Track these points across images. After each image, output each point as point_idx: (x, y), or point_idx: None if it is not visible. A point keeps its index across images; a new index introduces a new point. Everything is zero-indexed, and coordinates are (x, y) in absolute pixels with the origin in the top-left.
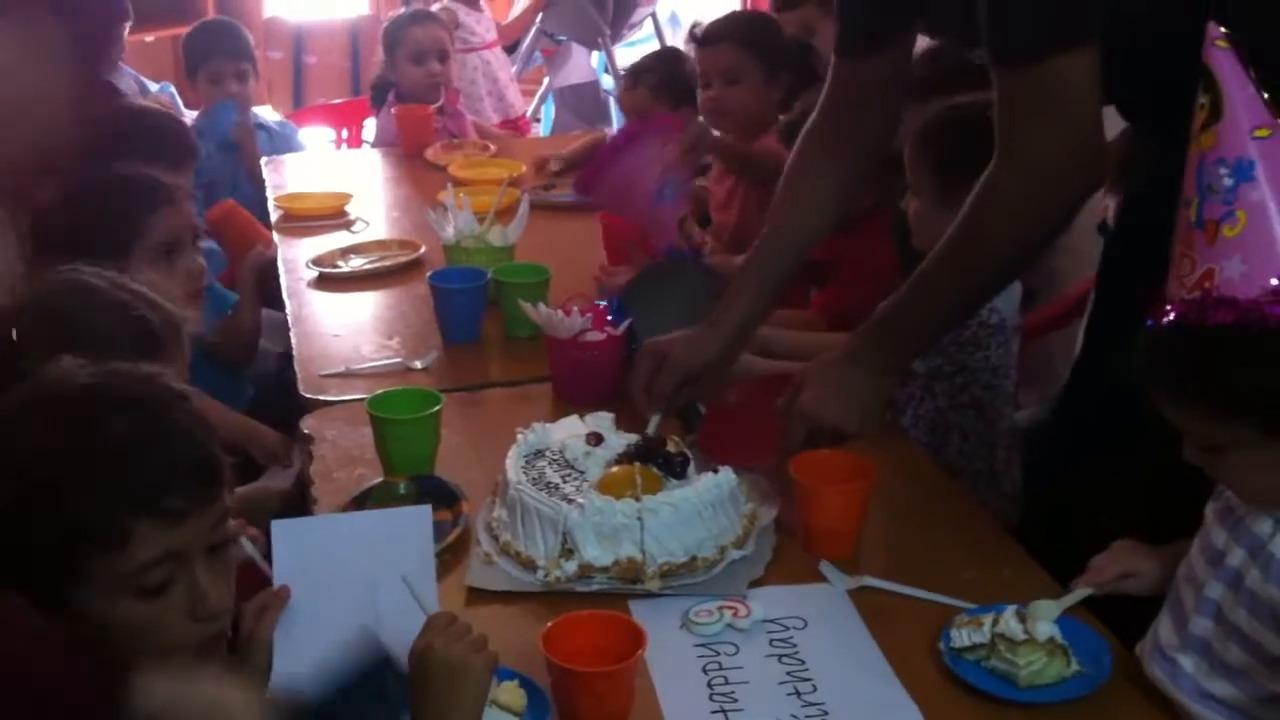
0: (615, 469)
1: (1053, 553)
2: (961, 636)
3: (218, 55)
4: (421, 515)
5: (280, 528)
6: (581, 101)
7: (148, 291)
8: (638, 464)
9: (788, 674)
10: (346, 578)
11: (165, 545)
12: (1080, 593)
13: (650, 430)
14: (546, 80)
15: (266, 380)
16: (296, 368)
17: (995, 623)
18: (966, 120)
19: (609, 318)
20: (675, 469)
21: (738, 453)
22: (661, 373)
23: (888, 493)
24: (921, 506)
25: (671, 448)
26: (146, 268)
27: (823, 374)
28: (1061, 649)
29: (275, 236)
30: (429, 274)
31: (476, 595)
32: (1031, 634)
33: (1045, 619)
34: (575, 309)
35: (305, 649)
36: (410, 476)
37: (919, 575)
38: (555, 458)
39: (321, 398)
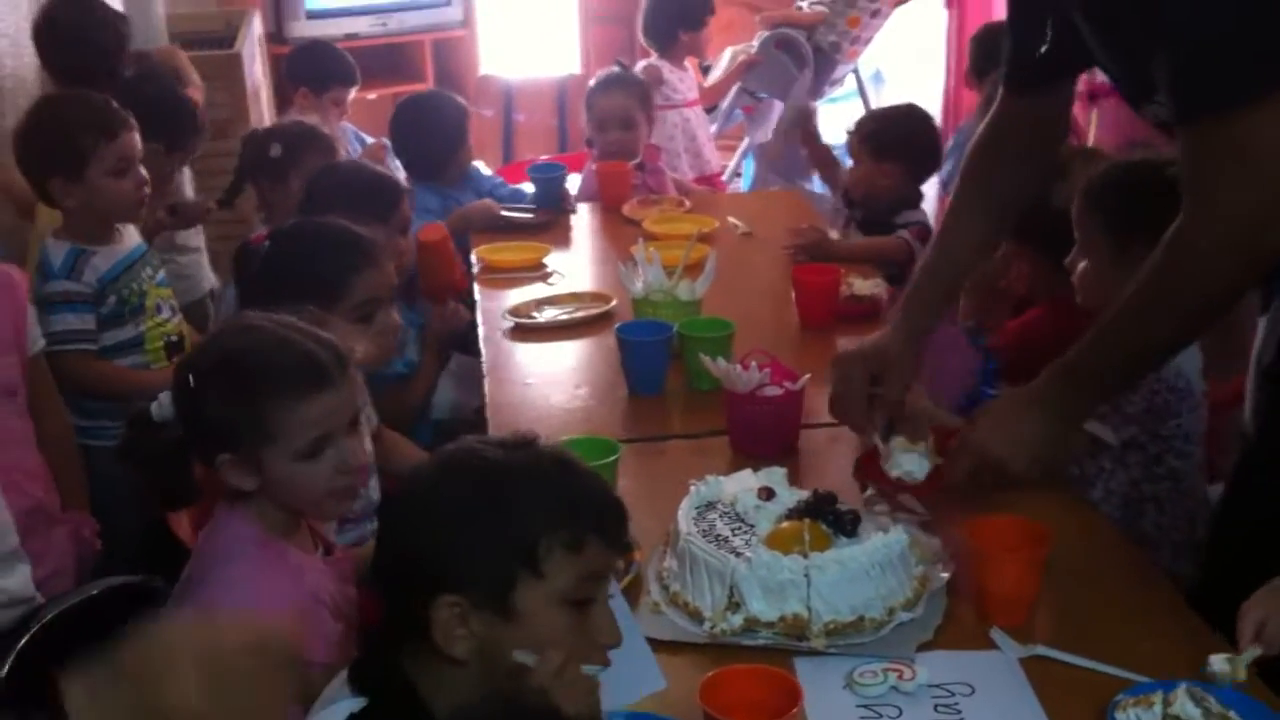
0: (784, 524)
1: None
2: (1129, 718)
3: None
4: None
5: None
6: (781, 158)
7: (314, 328)
8: (807, 520)
9: None
10: None
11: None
12: (1250, 653)
13: (879, 439)
14: (747, 139)
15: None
16: (489, 415)
17: (1167, 703)
18: (1140, 178)
19: None
20: (845, 526)
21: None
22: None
23: (1068, 560)
24: (1101, 575)
25: (842, 506)
26: (345, 325)
27: (1000, 410)
28: None
29: (476, 288)
30: (617, 326)
31: (648, 643)
32: (1208, 713)
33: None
34: (754, 364)
35: None
36: None
37: (1094, 646)
38: (726, 510)
39: None
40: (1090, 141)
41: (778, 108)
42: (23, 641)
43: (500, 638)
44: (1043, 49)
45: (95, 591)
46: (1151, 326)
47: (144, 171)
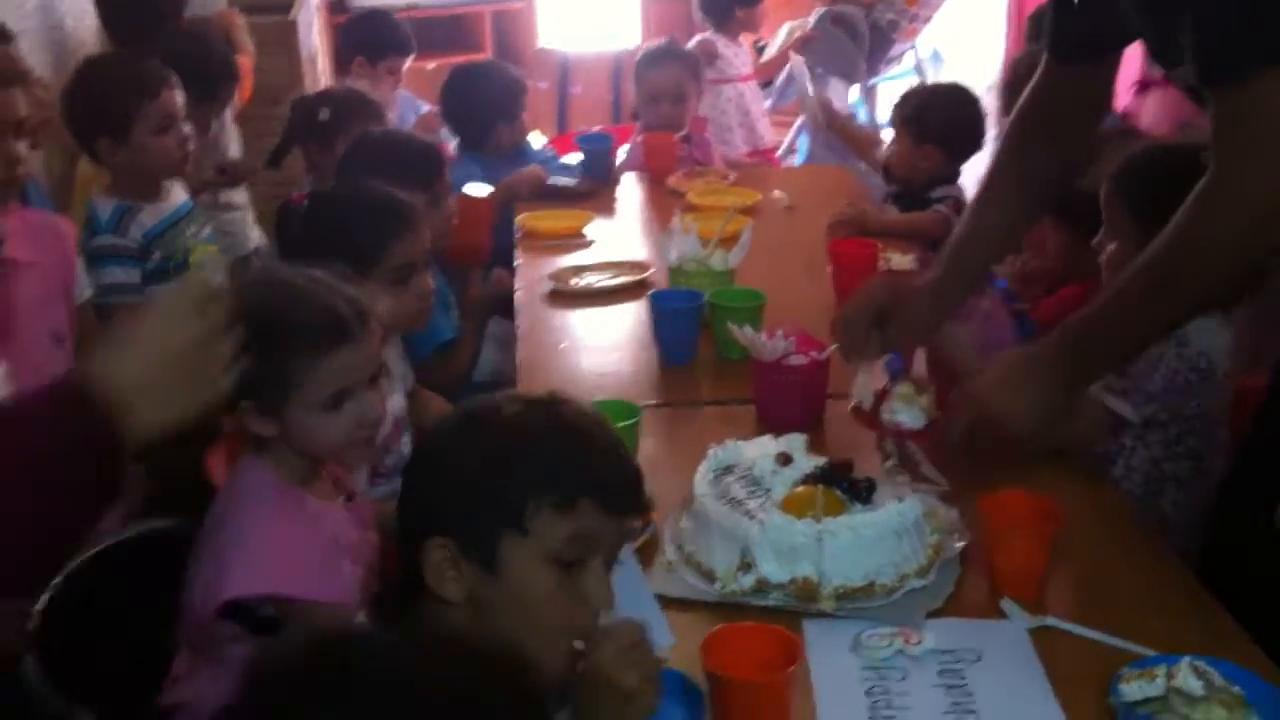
0: (800, 489)
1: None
2: (1133, 690)
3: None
4: None
5: None
6: (836, 135)
7: (338, 284)
8: (821, 486)
9: (953, 704)
10: None
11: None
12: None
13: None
14: (802, 115)
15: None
16: (520, 377)
17: (1170, 676)
18: (1169, 163)
19: None
20: (860, 494)
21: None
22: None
23: (1083, 536)
24: (1117, 551)
25: (858, 474)
26: (380, 288)
27: (1004, 366)
28: (1242, 705)
29: (518, 254)
30: (649, 294)
31: (659, 600)
32: (1211, 686)
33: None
34: (780, 333)
35: None
36: None
37: (1105, 620)
38: (744, 474)
39: None
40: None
41: (834, 84)
42: (57, 580)
43: (486, 588)
44: (1076, 2)
45: (128, 535)
46: (1164, 296)
47: (187, 128)
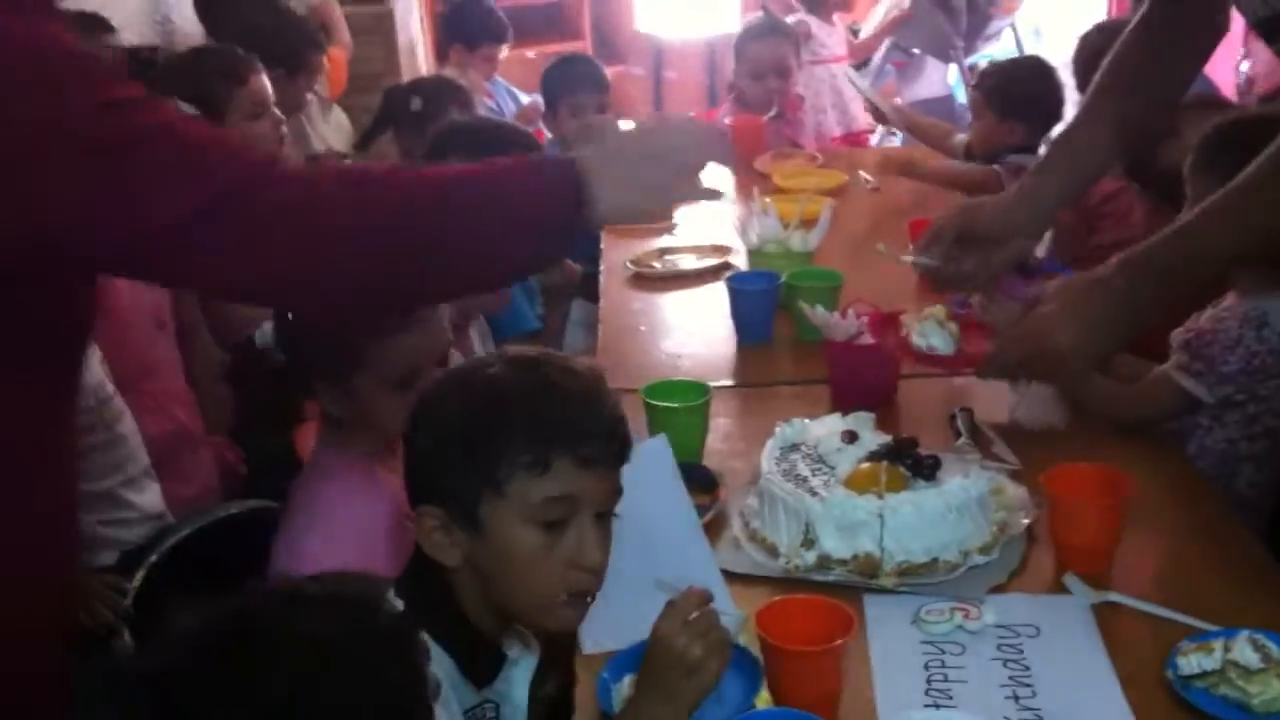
0: (864, 466)
1: None
2: (1190, 664)
3: (579, 89)
4: (660, 444)
5: None
6: (933, 115)
7: None
8: (885, 462)
9: (1010, 678)
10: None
11: (573, 487)
12: None
13: (911, 260)
14: (898, 97)
15: None
16: (599, 359)
17: (1227, 649)
18: (1256, 131)
19: None
20: (924, 471)
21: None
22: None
23: (1154, 511)
24: (1187, 527)
25: (924, 451)
26: None
27: (1061, 294)
28: None
29: (603, 237)
30: (727, 275)
31: (725, 576)
32: (1269, 660)
33: None
34: (852, 313)
35: (599, 599)
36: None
37: (1170, 596)
38: (809, 452)
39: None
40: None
41: (930, 64)
42: (153, 558)
43: (478, 551)
44: None
45: (221, 514)
46: (1234, 231)
47: (278, 111)
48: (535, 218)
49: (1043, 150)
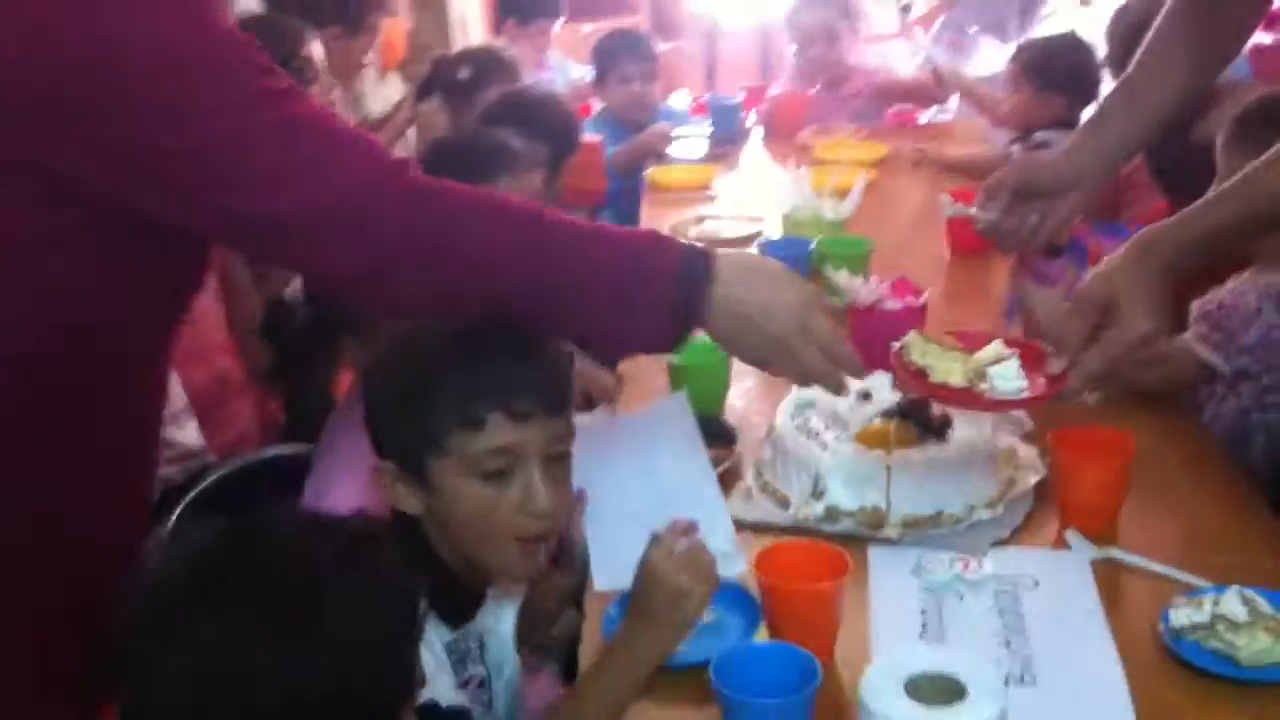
0: (876, 423)
1: None
2: (1180, 616)
3: (626, 60)
4: (679, 401)
5: None
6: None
7: None
8: (897, 419)
9: (1004, 626)
10: (633, 471)
11: (510, 439)
12: None
13: (973, 214)
14: None
15: None
16: None
17: (1216, 603)
18: None
19: None
20: (934, 429)
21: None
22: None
23: (1165, 474)
24: (1196, 490)
25: (935, 410)
26: None
27: (1125, 281)
28: None
29: (644, 207)
30: (758, 242)
31: (735, 524)
32: (1256, 614)
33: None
34: (875, 277)
35: (614, 542)
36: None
37: (1173, 555)
38: (825, 410)
39: None
40: None
41: (986, 42)
42: (190, 496)
43: (432, 503)
44: None
45: (257, 458)
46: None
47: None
48: (655, 302)
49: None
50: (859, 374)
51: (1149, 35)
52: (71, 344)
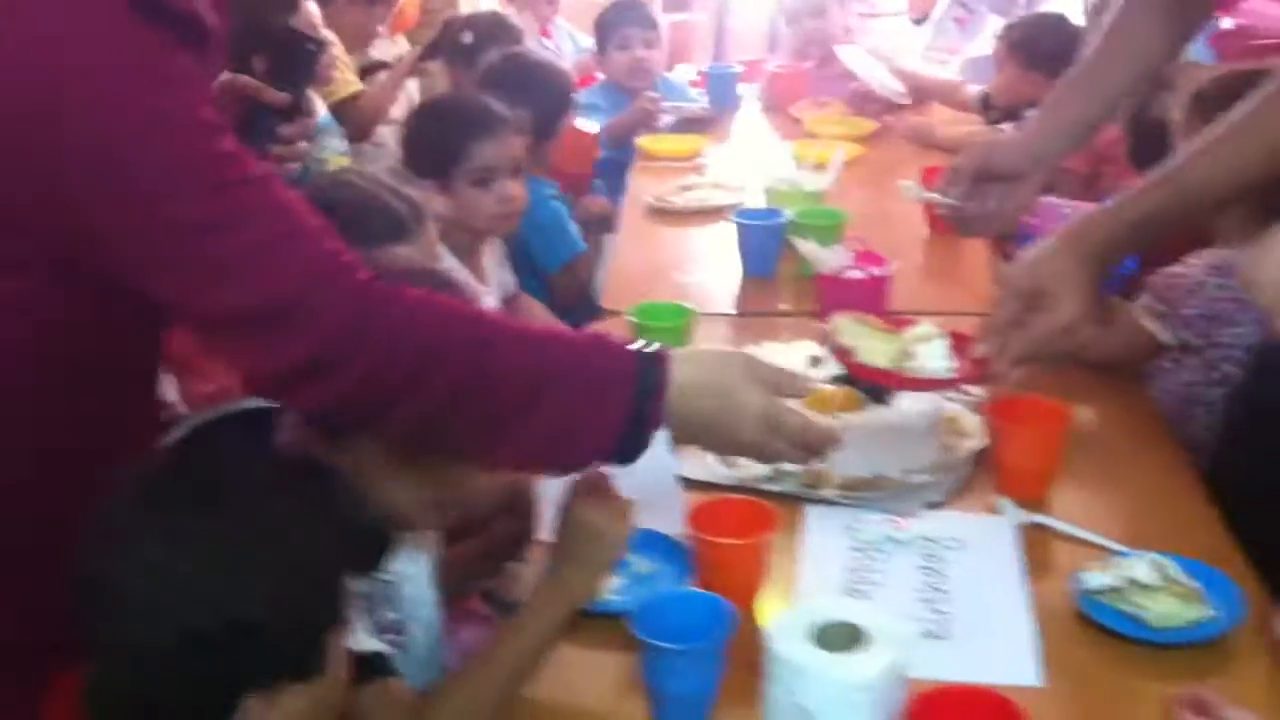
0: (825, 387)
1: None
2: (1091, 578)
3: (625, 26)
4: None
5: None
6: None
7: (398, 185)
8: (845, 386)
9: (926, 584)
10: None
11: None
12: None
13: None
14: (958, 55)
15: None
16: (607, 280)
17: (1129, 567)
18: (1253, 84)
19: None
20: (879, 395)
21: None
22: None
23: (1106, 444)
24: (1134, 460)
25: None
26: (465, 188)
27: (1046, 241)
28: (1195, 595)
29: (633, 175)
30: (735, 210)
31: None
32: (1165, 579)
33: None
34: (841, 247)
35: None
36: None
37: (1103, 523)
38: None
39: (614, 309)
40: None
41: (994, 20)
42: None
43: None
44: None
45: (234, 410)
46: (1213, 167)
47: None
48: (607, 418)
49: None
50: (838, 445)
51: (1113, 13)
52: (55, 371)
